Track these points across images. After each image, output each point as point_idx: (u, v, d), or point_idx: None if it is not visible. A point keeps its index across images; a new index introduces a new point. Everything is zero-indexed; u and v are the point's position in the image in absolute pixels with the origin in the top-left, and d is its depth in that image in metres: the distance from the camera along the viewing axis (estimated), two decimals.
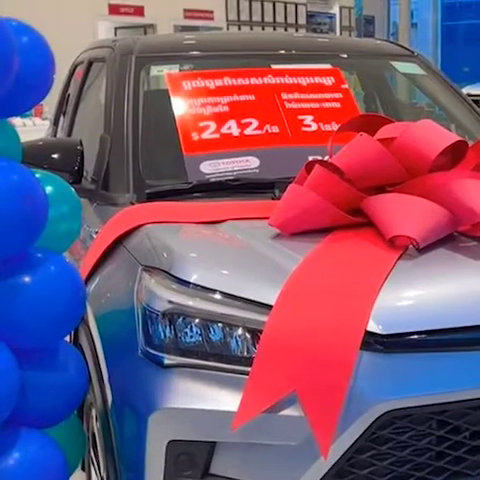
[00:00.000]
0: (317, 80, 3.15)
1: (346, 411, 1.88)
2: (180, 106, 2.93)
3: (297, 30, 14.00)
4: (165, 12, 11.19)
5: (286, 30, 13.66)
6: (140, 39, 3.45)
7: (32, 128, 7.27)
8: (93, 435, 2.40)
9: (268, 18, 13.43)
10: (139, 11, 11.18)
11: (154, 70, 3.11)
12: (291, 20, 14.06)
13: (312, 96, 3.08)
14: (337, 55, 3.42)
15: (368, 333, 1.92)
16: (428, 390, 1.94)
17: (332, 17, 17.69)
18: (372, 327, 1.93)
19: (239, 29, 12.70)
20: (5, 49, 1.82)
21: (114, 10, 10.88)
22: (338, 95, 3.13)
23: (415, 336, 1.95)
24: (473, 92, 16.95)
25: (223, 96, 2.97)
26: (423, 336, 1.95)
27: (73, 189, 2.34)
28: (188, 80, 3.00)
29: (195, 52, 3.32)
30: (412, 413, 1.94)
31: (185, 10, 11.76)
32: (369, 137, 2.44)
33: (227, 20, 12.59)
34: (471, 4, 30.01)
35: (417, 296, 2.05)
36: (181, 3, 11.62)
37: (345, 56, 3.45)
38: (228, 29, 12.45)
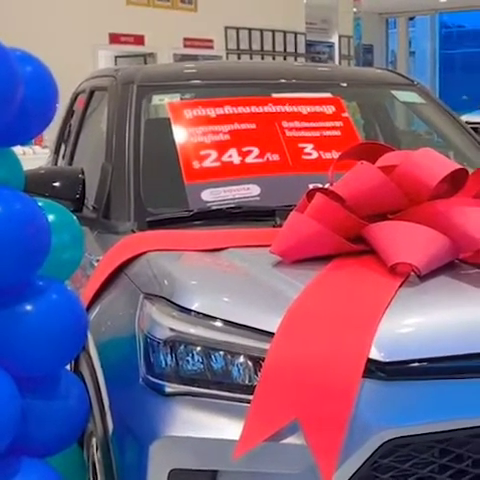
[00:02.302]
0: (318, 109, 3.17)
1: (348, 439, 1.88)
2: (181, 134, 2.95)
3: (296, 59, 14.07)
4: (165, 41, 11.26)
5: (285, 59, 13.73)
6: (142, 68, 3.47)
7: (32, 156, 7.31)
8: (93, 464, 2.39)
9: (267, 47, 13.49)
10: (139, 40, 11.24)
11: (155, 99, 3.14)
12: (290, 49, 14.12)
13: (313, 124, 3.10)
14: (338, 84, 3.45)
15: (370, 361, 1.92)
16: (430, 418, 1.93)
17: (331, 46, 17.79)
18: (374, 355, 1.93)
19: (238, 58, 12.77)
20: (9, 78, 1.84)
21: (115, 39, 10.94)
22: (339, 123, 3.15)
23: (417, 364, 1.95)
24: (471, 120, 17.08)
25: (224, 124, 2.99)
26: (425, 364, 1.95)
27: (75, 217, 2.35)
28: (189, 109, 3.02)
29: (196, 81, 3.35)
30: (414, 441, 1.93)
31: (185, 39, 11.84)
32: (370, 165, 2.45)
33: (227, 49, 12.66)
34: (469, 33, 30.27)
35: (419, 323, 2.05)
36: (181, 32, 11.69)
37: (345, 85, 3.48)
38: (227, 58, 12.52)
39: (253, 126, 3.02)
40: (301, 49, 14.43)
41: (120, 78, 3.22)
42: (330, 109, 3.19)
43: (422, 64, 28.16)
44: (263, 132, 3.01)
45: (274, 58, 13.59)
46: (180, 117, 2.99)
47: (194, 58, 11.75)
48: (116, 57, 11.71)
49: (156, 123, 3.19)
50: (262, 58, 13.26)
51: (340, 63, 15.80)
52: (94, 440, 2.34)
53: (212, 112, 3.02)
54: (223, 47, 12.64)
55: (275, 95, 3.18)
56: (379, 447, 1.90)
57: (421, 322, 2.06)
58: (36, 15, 9.83)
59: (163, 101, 3.10)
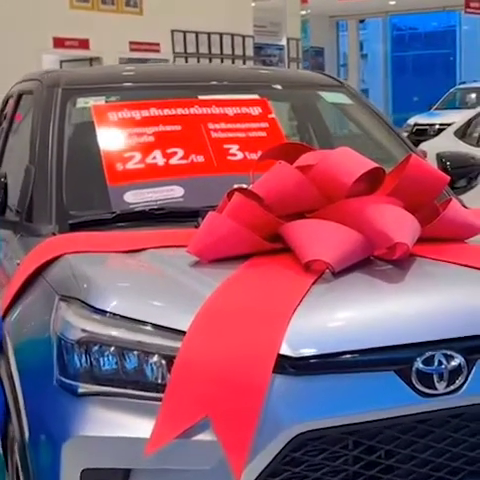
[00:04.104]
0: (244, 110, 3.20)
1: (259, 434, 1.91)
2: (105, 137, 2.96)
3: (244, 62, 14.14)
4: (111, 45, 11.24)
5: (233, 62, 13.79)
6: (68, 71, 3.48)
7: None
8: (16, 469, 2.39)
9: (215, 50, 13.55)
10: (84, 44, 11.21)
11: (81, 102, 3.13)
12: (239, 52, 14.19)
13: (238, 126, 3.12)
14: (265, 86, 3.48)
15: (281, 356, 1.95)
16: (341, 411, 1.97)
17: (281, 49, 17.88)
18: (285, 350, 1.96)
19: (186, 61, 12.81)
20: None
21: (59, 43, 10.90)
22: (264, 124, 3.18)
23: (327, 358, 1.98)
24: (420, 122, 17.30)
25: (149, 126, 3.00)
26: (334, 358, 1.99)
27: None
28: (114, 111, 3.03)
29: (122, 84, 3.35)
30: (326, 434, 1.97)
31: (131, 42, 11.84)
32: (287, 165, 2.48)
33: (174, 52, 12.68)
34: (420, 35, 30.65)
35: (328, 319, 2.09)
36: (127, 36, 11.69)
37: (273, 87, 3.51)
38: (175, 61, 12.55)
39: (178, 128, 3.04)
40: (249, 52, 14.51)
41: (45, 81, 3.21)
42: (256, 110, 3.22)
43: (375, 66, 28.46)
44: (188, 134, 3.03)
45: (222, 61, 13.65)
46: (104, 119, 3.00)
47: (142, 61, 11.73)
48: (61, 61, 11.65)
49: (81, 126, 3.19)
50: (210, 61, 13.30)
51: (289, 66, 15.89)
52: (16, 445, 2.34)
53: (137, 114, 3.03)
54: (170, 50, 12.64)
55: (201, 97, 3.20)
56: (290, 441, 1.93)
57: (331, 318, 2.10)
58: None
59: (88, 104, 3.10)
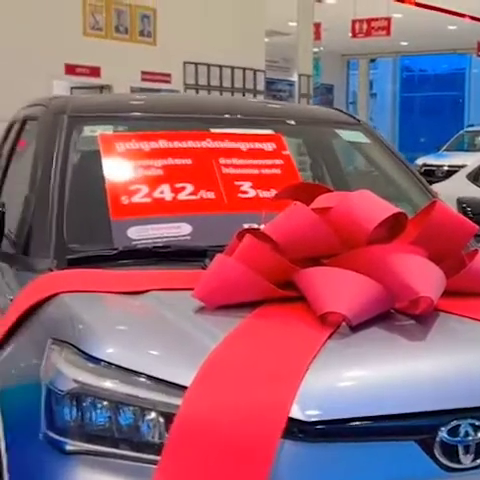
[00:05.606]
0: (257, 145, 3.04)
1: None
2: (111, 168, 2.79)
3: (255, 96, 14.03)
4: (122, 73, 11.13)
5: (244, 95, 13.67)
6: (76, 98, 3.32)
7: None
8: None
9: (226, 83, 13.45)
10: (95, 72, 11.11)
11: (87, 130, 2.98)
12: (249, 86, 14.09)
13: (251, 162, 2.96)
14: (280, 121, 3.32)
15: (291, 420, 1.76)
16: None
17: (292, 84, 17.83)
18: (295, 414, 1.77)
19: (197, 93, 12.69)
20: None
21: (70, 70, 10.81)
22: (279, 161, 3.01)
23: (340, 424, 1.79)
24: (428, 162, 17.20)
25: (158, 159, 2.83)
26: (349, 424, 1.80)
27: None
28: (121, 141, 2.87)
29: (132, 113, 3.19)
30: None
31: (142, 72, 11.75)
32: (303, 206, 2.31)
33: (185, 84, 12.58)
34: (429, 77, 30.77)
35: (345, 380, 1.90)
36: (139, 65, 11.60)
37: (289, 122, 3.35)
38: (185, 92, 12.44)
39: (188, 162, 2.88)
40: (260, 86, 14.41)
41: (51, 107, 3.06)
42: (270, 146, 3.06)
43: (383, 106, 28.52)
44: (198, 168, 2.87)
45: (233, 94, 13.54)
46: (111, 150, 2.83)
47: (155, 91, 11.62)
48: (72, 88, 11.56)
49: (87, 155, 3.03)
50: (221, 94, 13.20)
51: (299, 101, 15.82)
52: None
53: (145, 146, 2.87)
54: (181, 82, 12.55)
55: (213, 130, 3.04)
56: None
57: (348, 378, 1.91)
58: None
59: (95, 133, 2.94)
